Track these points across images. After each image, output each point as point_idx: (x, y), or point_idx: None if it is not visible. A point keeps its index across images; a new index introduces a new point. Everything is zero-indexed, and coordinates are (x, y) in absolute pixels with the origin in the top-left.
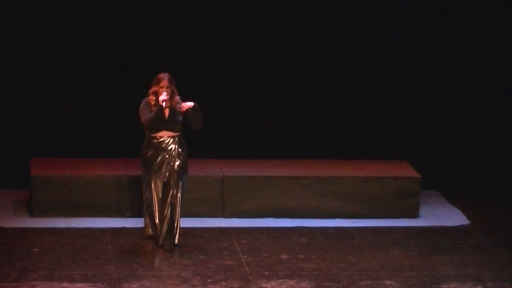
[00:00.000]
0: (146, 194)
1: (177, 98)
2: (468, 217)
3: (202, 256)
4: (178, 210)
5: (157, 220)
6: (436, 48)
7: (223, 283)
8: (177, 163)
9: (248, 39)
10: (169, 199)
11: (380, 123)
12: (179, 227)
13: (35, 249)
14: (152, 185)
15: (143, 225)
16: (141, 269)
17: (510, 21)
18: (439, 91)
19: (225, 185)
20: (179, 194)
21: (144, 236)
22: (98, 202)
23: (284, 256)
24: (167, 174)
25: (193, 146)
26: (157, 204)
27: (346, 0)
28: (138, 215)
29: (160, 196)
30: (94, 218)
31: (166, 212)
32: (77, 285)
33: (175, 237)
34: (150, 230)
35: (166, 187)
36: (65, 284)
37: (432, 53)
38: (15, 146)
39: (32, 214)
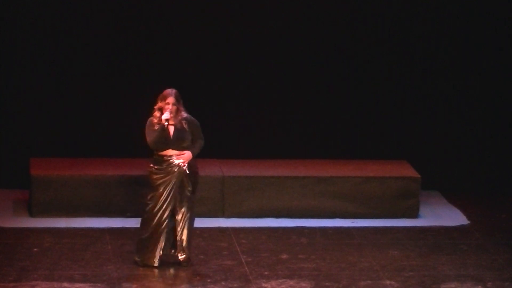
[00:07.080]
0: (148, 221)
1: (183, 114)
2: (468, 217)
3: (202, 256)
4: (185, 229)
5: (156, 249)
6: (436, 48)
7: (223, 283)
8: (186, 188)
9: (248, 39)
10: (178, 219)
11: (380, 123)
12: (184, 245)
13: (35, 249)
14: (159, 210)
15: (136, 250)
16: (141, 269)
17: (510, 21)
18: (439, 91)
19: (225, 185)
20: (187, 215)
21: (135, 262)
22: (98, 202)
23: (284, 256)
24: (174, 200)
25: None
26: (160, 228)
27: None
28: (138, 215)
29: (165, 220)
30: (94, 218)
31: (168, 235)
32: (77, 285)
33: (178, 254)
34: (139, 256)
35: (172, 212)
36: (65, 284)
37: (432, 53)
38: (15, 146)
39: (32, 214)
